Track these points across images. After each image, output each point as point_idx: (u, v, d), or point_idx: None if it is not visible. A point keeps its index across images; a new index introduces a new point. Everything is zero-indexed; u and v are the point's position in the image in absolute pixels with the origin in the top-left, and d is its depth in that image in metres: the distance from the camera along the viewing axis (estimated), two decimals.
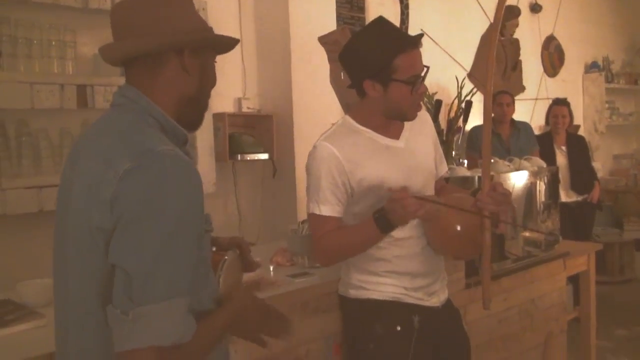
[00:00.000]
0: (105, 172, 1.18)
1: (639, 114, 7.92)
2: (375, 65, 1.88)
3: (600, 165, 6.94)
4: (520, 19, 5.72)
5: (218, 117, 3.84)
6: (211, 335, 1.25)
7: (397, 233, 1.91)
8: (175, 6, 1.31)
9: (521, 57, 6.18)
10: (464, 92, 4.00)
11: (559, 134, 5.17)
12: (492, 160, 3.01)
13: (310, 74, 4.04)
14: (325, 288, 2.20)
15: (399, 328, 1.99)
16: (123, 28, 1.30)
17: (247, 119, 4.15)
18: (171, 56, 1.30)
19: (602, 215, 5.93)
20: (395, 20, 4.63)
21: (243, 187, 4.20)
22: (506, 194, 1.88)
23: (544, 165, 3.28)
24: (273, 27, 4.16)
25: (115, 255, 1.14)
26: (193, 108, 1.37)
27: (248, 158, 3.98)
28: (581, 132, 6.59)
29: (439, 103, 3.61)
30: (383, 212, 1.78)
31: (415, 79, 1.89)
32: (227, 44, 1.42)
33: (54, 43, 3.04)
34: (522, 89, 6.18)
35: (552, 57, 6.69)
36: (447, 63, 4.40)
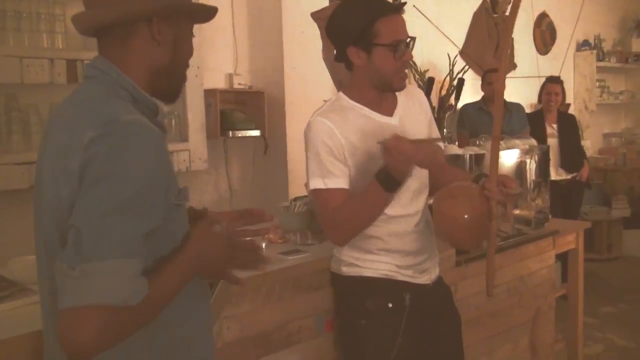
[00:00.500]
0: (70, 142, 1.17)
1: (629, 92, 7.94)
2: (357, 29, 1.88)
3: (590, 143, 6.97)
4: None
5: (209, 93, 3.82)
6: (168, 286, 1.21)
7: (391, 210, 1.92)
8: None
9: (513, 35, 6.17)
10: (456, 69, 3.99)
11: (551, 111, 5.19)
12: (484, 137, 3.02)
13: (303, 51, 4.01)
14: (318, 265, 2.21)
15: (390, 305, 2.00)
16: None
17: (238, 95, 4.12)
18: (141, 26, 1.27)
19: (591, 194, 5.97)
20: None
21: (234, 164, 4.20)
22: (515, 193, 1.88)
23: (535, 143, 3.29)
24: (265, 2, 4.12)
25: (72, 217, 1.13)
26: (166, 79, 1.34)
27: (239, 135, 3.97)
28: (571, 110, 6.60)
29: (431, 80, 3.60)
30: (384, 169, 1.76)
31: (398, 44, 1.89)
32: (204, 12, 1.39)
33: (43, 16, 2.99)
34: (514, 66, 6.18)
35: (544, 34, 6.67)
36: (439, 40, 4.39)
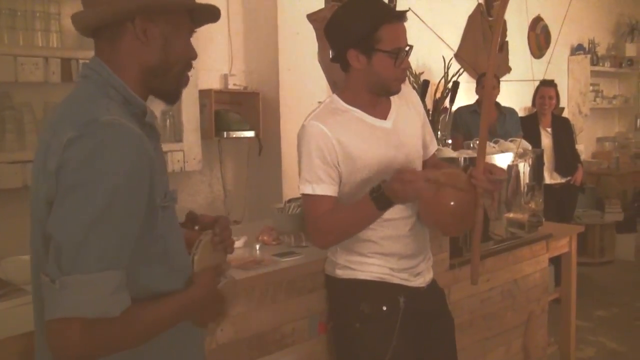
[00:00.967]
0: (52, 142, 1.17)
1: (622, 97, 7.97)
2: (360, 33, 1.88)
3: (583, 147, 6.99)
4: None
5: (204, 93, 3.82)
6: (162, 314, 1.23)
7: (387, 214, 1.92)
8: None
9: (507, 38, 6.19)
10: (451, 72, 3.99)
11: (544, 115, 5.19)
12: (478, 140, 3.02)
13: (298, 52, 4.01)
14: (312, 267, 2.21)
15: (384, 308, 2.00)
16: None
17: (233, 96, 4.12)
18: (128, 26, 1.27)
19: (584, 198, 5.98)
20: None
21: (229, 165, 4.19)
22: (502, 179, 1.90)
23: (529, 147, 3.29)
24: (261, 3, 4.12)
25: (50, 225, 1.13)
26: (159, 79, 1.33)
27: (234, 135, 3.97)
28: (565, 114, 6.63)
29: (426, 83, 3.60)
30: (382, 190, 1.77)
31: (399, 52, 1.89)
32: (204, 13, 1.37)
33: (38, 14, 2.99)
34: (508, 70, 6.20)
35: (539, 38, 6.70)
36: (434, 43, 4.39)
